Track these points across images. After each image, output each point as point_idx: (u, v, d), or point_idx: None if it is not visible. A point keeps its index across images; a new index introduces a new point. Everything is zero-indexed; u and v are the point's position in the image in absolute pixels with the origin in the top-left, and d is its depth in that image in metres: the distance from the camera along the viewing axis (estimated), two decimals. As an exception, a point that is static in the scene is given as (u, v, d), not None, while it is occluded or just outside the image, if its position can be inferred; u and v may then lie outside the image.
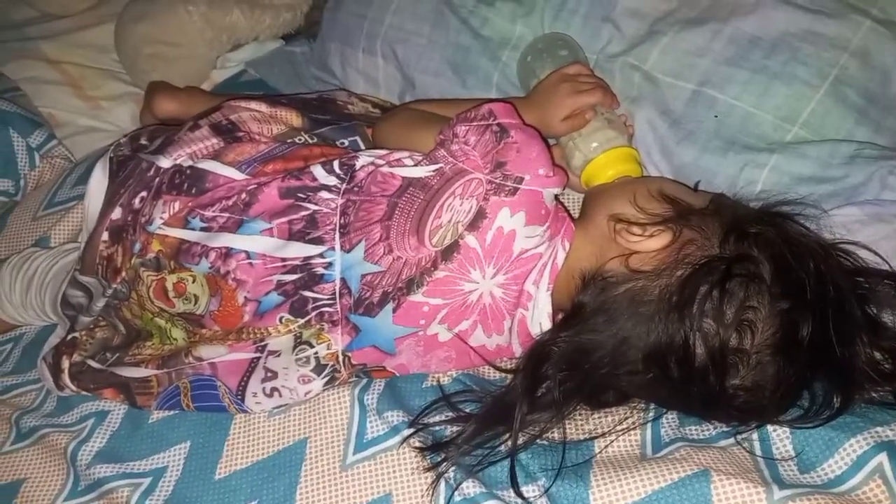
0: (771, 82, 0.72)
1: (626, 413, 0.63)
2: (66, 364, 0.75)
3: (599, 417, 0.64)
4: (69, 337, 0.76)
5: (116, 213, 0.73)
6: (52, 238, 0.92)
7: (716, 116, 0.74)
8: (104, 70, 1.16)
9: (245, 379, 0.69)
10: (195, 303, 0.70)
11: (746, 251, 0.58)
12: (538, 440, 0.61)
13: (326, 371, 0.68)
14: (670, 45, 0.78)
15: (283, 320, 0.67)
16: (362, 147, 0.79)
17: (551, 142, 0.76)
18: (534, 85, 0.81)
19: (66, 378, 0.74)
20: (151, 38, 1.09)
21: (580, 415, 0.64)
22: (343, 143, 0.79)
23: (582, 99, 0.75)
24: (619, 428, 0.62)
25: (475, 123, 0.64)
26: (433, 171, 0.65)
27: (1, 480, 0.72)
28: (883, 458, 0.53)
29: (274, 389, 0.69)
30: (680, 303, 0.56)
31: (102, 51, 1.16)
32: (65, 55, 1.16)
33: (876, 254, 0.62)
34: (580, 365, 0.60)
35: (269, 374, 0.68)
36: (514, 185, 0.62)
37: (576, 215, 0.75)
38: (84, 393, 0.75)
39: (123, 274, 0.72)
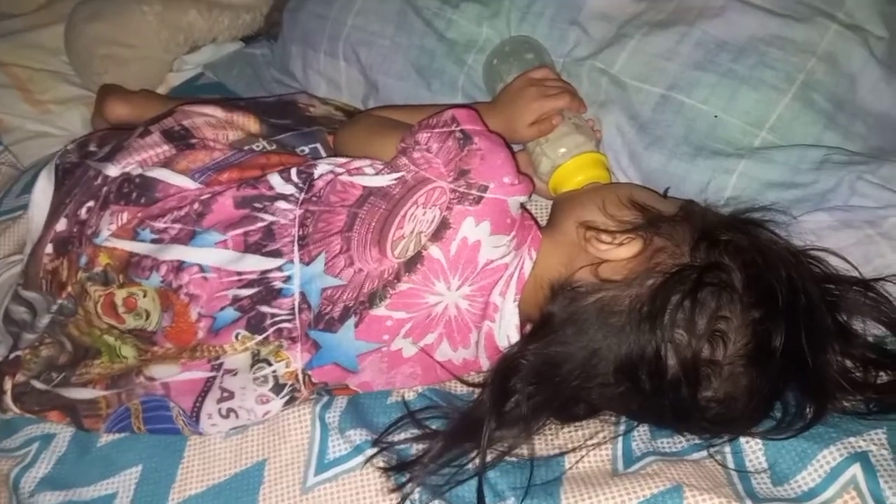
0: (739, 87, 0.71)
1: (596, 427, 0.62)
2: (8, 385, 0.70)
3: (569, 432, 0.62)
4: (12, 356, 0.72)
5: (61, 225, 0.69)
6: (-4, 250, 0.87)
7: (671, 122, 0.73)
8: (54, 72, 1.11)
9: (200, 399, 0.66)
10: (146, 319, 0.66)
11: (717, 259, 0.57)
12: (507, 457, 0.59)
13: (286, 391, 0.65)
14: (637, 48, 0.77)
15: (240, 337, 0.64)
16: (323, 154, 0.76)
17: (517, 148, 0.74)
18: (500, 89, 0.80)
19: (8, 400, 0.70)
20: (104, 38, 1.05)
21: (550, 430, 0.62)
22: (303, 151, 0.76)
23: (549, 103, 0.73)
24: (589, 443, 0.60)
25: (437, 130, 0.62)
26: (395, 179, 0.62)
27: (-63, 510, 0.68)
28: (856, 469, 0.52)
29: (230, 410, 0.65)
30: (651, 313, 0.55)
31: (53, 52, 1.11)
32: (13, 57, 1.10)
33: (845, 260, 0.62)
34: (549, 378, 0.58)
35: (225, 395, 0.65)
36: (479, 193, 0.60)
37: (543, 223, 0.73)
38: (28, 415, 0.71)
39: (69, 289, 0.68)
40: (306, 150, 0.76)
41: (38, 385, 0.70)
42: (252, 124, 0.76)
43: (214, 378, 0.66)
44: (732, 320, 0.55)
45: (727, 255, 0.57)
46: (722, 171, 0.70)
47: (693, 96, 0.72)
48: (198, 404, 0.66)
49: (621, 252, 0.59)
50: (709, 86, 0.72)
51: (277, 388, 0.65)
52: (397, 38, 0.89)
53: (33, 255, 0.71)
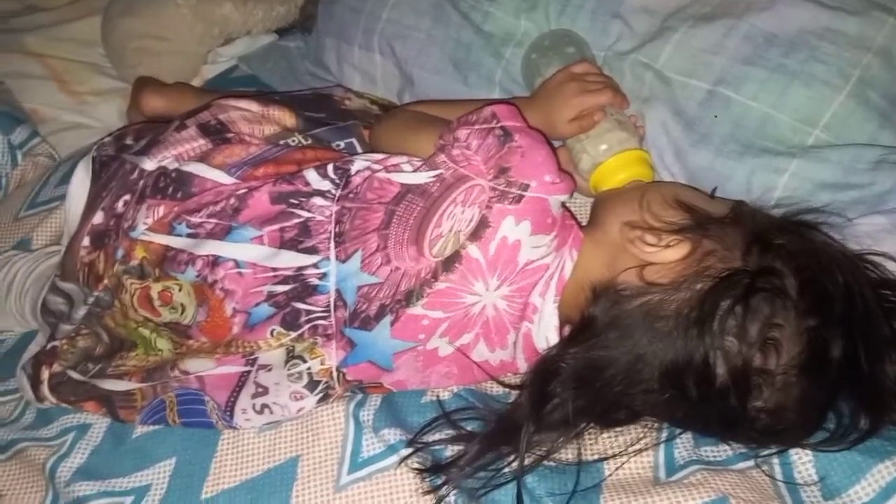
0: (790, 82, 0.69)
1: (638, 433, 0.60)
2: (45, 375, 0.71)
3: (610, 437, 0.61)
4: (49, 346, 0.72)
5: (98, 218, 0.69)
6: (34, 240, 0.88)
7: (716, 117, 0.71)
8: (90, 64, 1.11)
9: (235, 394, 0.65)
10: (182, 313, 0.66)
11: (770, 264, 0.54)
12: (545, 462, 0.58)
13: (320, 388, 0.64)
14: (683, 42, 0.74)
15: (275, 333, 0.63)
16: (359, 149, 0.75)
17: (557, 144, 0.73)
18: (539, 84, 0.78)
19: (45, 390, 0.71)
20: (139, 31, 1.05)
21: (589, 434, 0.61)
22: (339, 146, 0.75)
23: (590, 99, 0.71)
24: (631, 449, 0.58)
25: (477, 126, 0.61)
26: (433, 177, 0.61)
27: (-23, 498, 0.68)
28: (914, 485, 0.50)
29: (265, 406, 0.65)
30: (700, 319, 0.53)
31: (89, 44, 1.12)
32: (49, 49, 1.11)
33: (903, 265, 0.59)
34: (591, 383, 0.57)
35: (259, 390, 0.65)
36: (519, 192, 0.58)
37: (583, 222, 0.71)
38: (64, 405, 0.71)
39: (106, 281, 0.68)
40: (342, 144, 0.75)
41: (74, 375, 0.71)
42: (288, 119, 0.75)
43: (249, 373, 0.65)
44: (786, 328, 0.53)
45: (780, 259, 0.55)
46: (772, 171, 0.67)
47: (741, 92, 0.70)
48: (232, 399, 0.66)
49: (668, 254, 0.57)
50: (758, 81, 0.69)
51: (312, 384, 0.64)
52: (433, 32, 0.88)
53: (70, 248, 0.71)
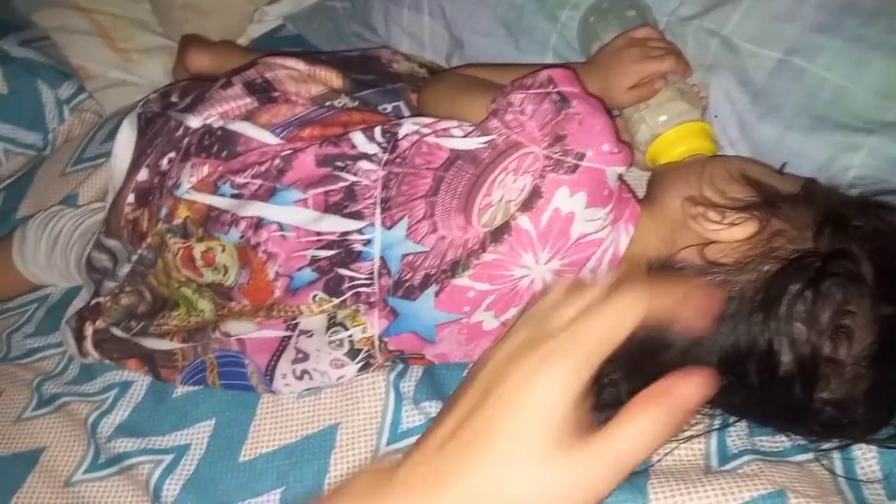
0: (868, 53, 0.63)
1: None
2: (89, 331, 0.71)
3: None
4: (93, 302, 0.73)
5: (143, 175, 0.69)
6: (80, 195, 0.89)
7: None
8: (137, 20, 1.11)
9: (275, 358, 0.65)
10: (224, 274, 0.65)
11: (845, 246, 0.51)
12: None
13: (361, 356, 0.63)
14: (752, 8, 0.69)
15: (317, 299, 0.62)
16: (406, 113, 0.73)
17: (614, 113, 0.69)
18: (596, 49, 0.74)
19: (89, 345, 0.71)
20: (186, -13, 1.04)
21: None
22: (385, 109, 0.73)
23: (651, 66, 0.67)
24: (682, 436, 0.56)
25: (533, 91, 0.58)
26: (484, 142, 0.58)
27: (21, 447, 0.70)
28: None
29: (304, 372, 0.64)
30: (766, 302, 0.50)
31: (136, 0, 1.11)
32: (97, 4, 1.11)
33: None
34: (645, 364, 0.54)
35: (300, 356, 0.64)
36: (575, 161, 0.55)
37: (639, 195, 0.68)
38: (107, 361, 0.72)
39: (149, 239, 0.68)
40: (388, 107, 0.73)
41: (117, 332, 0.71)
42: (335, 79, 0.73)
43: (290, 338, 0.65)
44: (859, 315, 0.49)
45: (855, 241, 0.51)
46: (846, 148, 0.63)
47: (816, 62, 0.65)
48: (272, 363, 0.65)
49: (734, 233, 0.53)
50: (833, 51, 0.65)
51: (353, 352, 0.63)
52: (486, -8, 0.84)
53: (115, 204, 0.71)
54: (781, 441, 0.55)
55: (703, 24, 0.72)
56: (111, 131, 0.94)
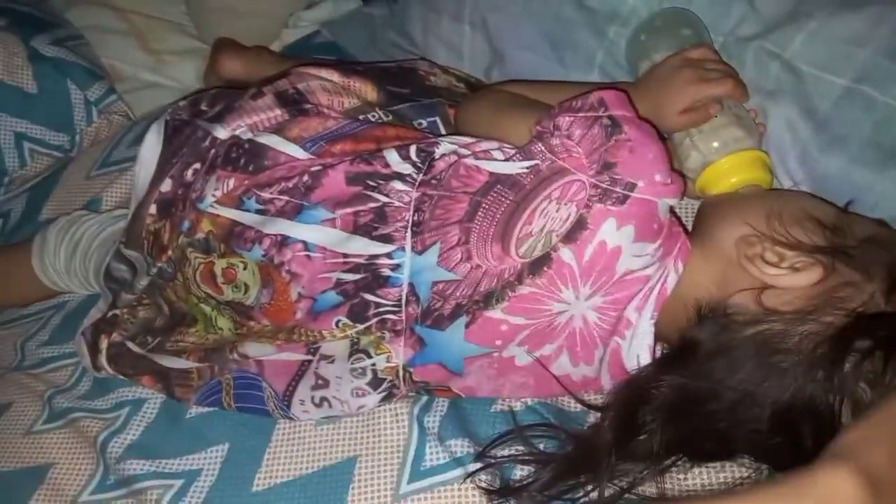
0: (947, 84, 0.59)
1: (733, 470, 0.53)
2: (104, 344, 0.69)
3: (702, 473, 0.54)
4: (110, 314, 0.70)
5: (166, 185, 0.66)
6: (104, 200, 0.87)
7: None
8: (172, 23, 1.09)
9: (294, 383, 0.62)
10: (245, 292, 0.62)
11: None
12: (627, 495, 0.51)
13: (384, 386, 0.59)
14: (820, 30, 0.65)
15: (341, 324, 0.59)
16: (442, 130, 0.70)
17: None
18: (646, 69, 0.70)
19: (103, 359, 0.69)
20: (221, -10, 1.02)
21: (678, 468, 0.54)
22: (421, 124, 0.69)
23: (707, 89, 0.63)
24: (725, 490, 0.52)
25: (582, 114, 0.54)
26: (527, 167, 0.55)
27: (30, 462, 0.67)
28: None
29: (324, 399, 0.61)
30: (830, 358, 0.45)
31: (171, 2, 1.10)
32: (132, 4, 1.10)
33: None
34: (687, 416, 0.50)
35: (319, 382, 0.61)
36: (625, 191, 0.51)
37: (687, 226, 0.63)
38: (121, 377, 0.69)
39: (170, 253, 0.65)
40: (424, 123, 0.70)
41: (133, 347, 0.69)
42: (369, 91, 0.70)
43: (310, 363, 0.61)
44: None
45: None
46: (919, 186, 0.58)
47: (887, 92, 0.60)
48: (291, 388, 0.62)
49: (797, 279, 0.49)
50: (910, 81, 0.60)
51: (375, 382, 0.60)
52: (530, 4, 0.80)
53: (136, 214, 0.68)
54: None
55: (763, 45, 0.67)
56: (138, 136, 0.91)
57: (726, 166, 0.62)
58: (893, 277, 0.48)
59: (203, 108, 0.72)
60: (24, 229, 0.90)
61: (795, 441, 0.47)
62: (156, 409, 0.68)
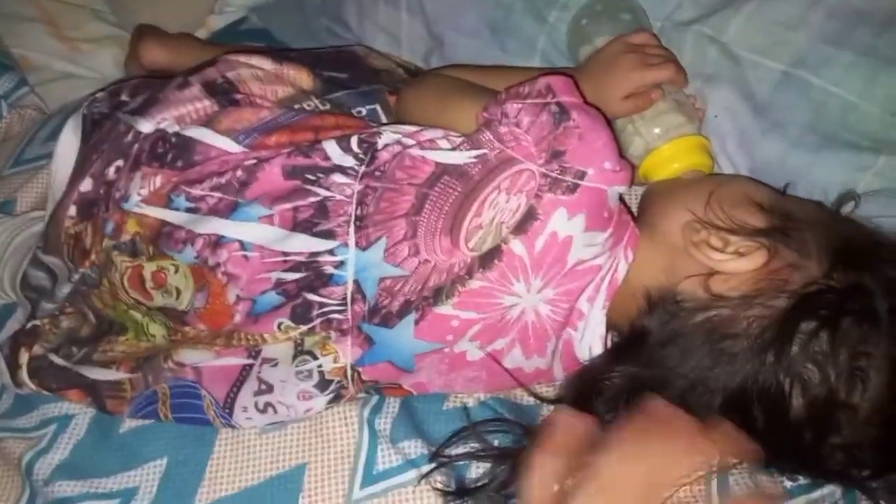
0: (881, 68, 0.60)
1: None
2: (24, 358, 0.64)
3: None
4: (29, 325, 0.65)
5: (86, 185, 0.61)
6: (18, 201, 0.80)
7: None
8: (86, 8, 1.02)
9: (235, 390, 0.58)
10: (177, 297, 0.59)
11: (861, 281, 0.47)
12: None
13: (331, 388, 0.57)
14: (756, 14, 0.65)
15: (283, 327, 0.56)
16: (383, 118, 0.67)
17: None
18: (587, 54, 0.69)
19: (24, 375, 0.63)
20: (142, -28, 0.96)
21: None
22: (360, 112, 0.67)
23: (649, 75, 0.63)
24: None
25: (530, 101, 0.52)
26: (474, 157, 0.53)
27: (-55, 489, 0.62)
28: None
29: (268, 405, 0.58)
30: (778, 341, 0.46)
31: (85, -15, 1.02)
32: (42, -13, 1.02)
33: None
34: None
35: (262, 387, 0.58)
36: (575, 180, 0.50)
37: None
38: (45, 392, 0.64)
39: (93, 257, 0.61)
40: (364, 111, 0.67)
41: (57, 360, 0.63)
42: (304, 79, 0.66)
43: (251, 367, 0.58)
44: (874, 357, 0.46)
45: (869, 275, 0.48)
46: (854, 168, 0.59)
47: (823, 76, 0.61)
48: (232, 395, 0.59)
49: (741, 264, 0.49)
50: (843, 65, 0.61)
51: (323, 384, 0.57)
52: (469, -11, 0.79)
53: (54, 217, 0.63)
54: (782, 481, 0.52)
55: (702, 29, 0.68)
56: (54, 131, 0.85)
57: (668, 152, 0.63)
58: (833, 257, 0.49)
59: (124, 98, 0.67)
60: (-72, 235, 0.82)
61: (748, 423, 0.48)
62: (85, 424, 0.63)
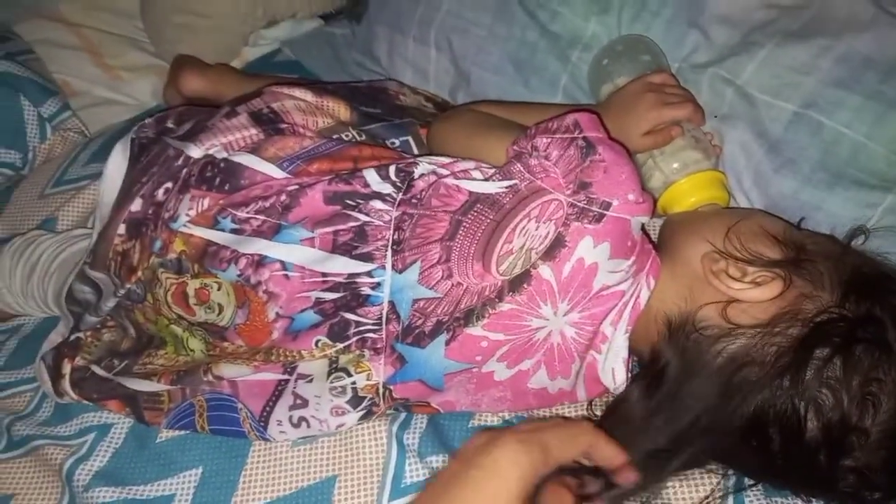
0: (886, 111, 0.63)
1: (702, 479, 0.56)
2: (67, 368, 0.66)
3: (673, 485, 0.56)
4: (72, 337, 0.68)
5: (136, 205, 0.65)
6: (59, 220, 0.84)
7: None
8: (126, 38, 1.07)
9: (270, 404, 0.61)
10: (219, 313, 0.62)
11: (871, 311, 0.50)
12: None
13: (364, 404, 0.59)
14: (769, 59, 0.69)
15: (320, 344, 0.59)
16: (414, 149, 0.71)
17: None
18: (607, 92, 0.73)
19: (66, 385, 0.66)
20: (181, 6, 1.00)
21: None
22: (394, 143, 0.70)
23: (668, 113, 0.66)
24: (702, 502, 0.54)
25: (558, 136, 0.56)
26: (506, 187, 0.56)
27: (-12, 493, 0.64)
28: None
29: (302, 419, 0.60)
30: (793, 367, 0.48)
31: (126, 16, 1.07)
32: (85, 18, 1.06)
33: None
34: (660, 430, 0.52)
35: (298, 402, 0.60)
36: (600, 210, 0.53)
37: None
38: (85, 402, 0.67)
39: (139, 273, 0.64)
40: (397, 142, 0.71)
41: (98, 371, 0.66)
42: (342, 111, 0.70)
43: (287, 382, 0.61)
44: (886, 383, 0.48)
45: (880, 305, 0.50)
46: (864, 205, 0.62)
47: (833, 117, 0.65)
48: (268, 409, 0.61)
49: (758, 293, 0.52)
50: (852, 108, 0.64)
51: (355, 400, 0.60)
52: (495, 28, 0.83)
53: (103, 235, 0.67)
54: (796, 502, 0.54)
55: (718, 72, 0.71)
56: (95, 153, 0.89)
57: (686, 186, 0.66)
58: (845, 288, 0.51)
59: (170, 125, 0.71)
60: (-27, 250, 0.86)
61: (765, 446, 0.50)
62: (123, 433, 0.66)
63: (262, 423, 0.61)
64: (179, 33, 1.01)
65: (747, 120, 0.69)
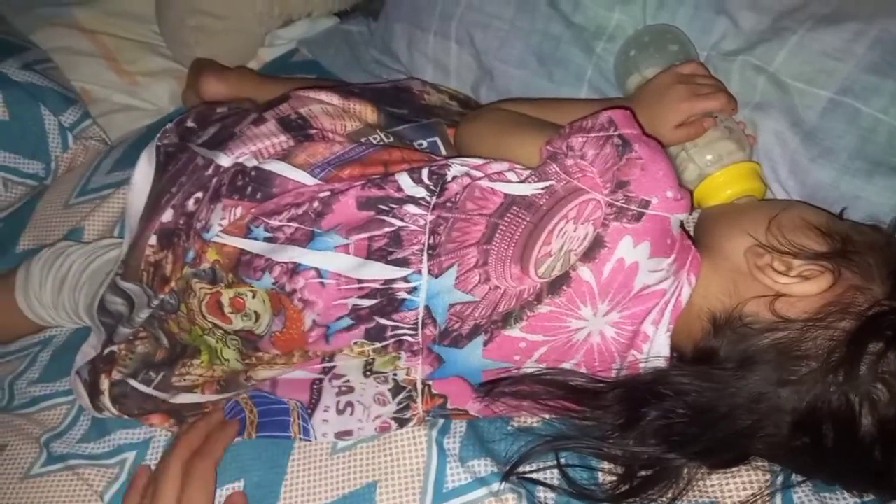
0: (925, 95, 0.62)
1: (750, 476, 0.55)
2: (105, 384, 0.66)
3: (720, 481, 0.55)
4: (107, 351, 0.68)
5: (167, 216, 0.64)
6: (85, 230, 0.84)
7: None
8: (143, 43, 1.06)
9: (317, 393, 0.62)
10: (256, 320, 0.61)
11: None
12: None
13: (402, 395, 0.60)
14: (801, 44, 0.68)
15: (357, 343, 0.59)
16: (442, 150, 0.70)
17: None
18: (636, 83, 0.72)
19: (106, 401, 0.66)
20: (196, 8, 0.99)
21: (699, 476, 0.56)
22: (422, 145, 0.69)
23: (700, 104, 0.65)
24: (747, 495, 0.53)
25: (593, 134, 0.55)
26: (542, 188, 0.55)
27: (28, 506, 0.64)
28: None
29: (349, 404, 0.61)
30: (846, 362, 0.48)
31: (141, 21, 1.07)
32: (101, 24, 1.06)
33: None
34: (708, 426, 0.52)
35: (343, 388, 0.61)
36: (639, 209, 0.52)
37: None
38: (126, 417, 0.67)
39: (173, 284, 0.63)
40: (425, 143, 0.70)
41: (137, 386, 0.66)
42: (369, 113, 0.69)
43: (322, 381, 0.61)
44: None
45: None
46: (905, 193, 0.61)
47: (870, 104, 0.63)
48: (315, 397, 0.62)
49: (808, 287, 0.51)
50: (889, 93, 0.63)
51: (396, 389, 0.60)
52: (518, 21, 0.81)
53: (135, 246, 0.66)
54: (846, 498, 0.54)
55: (748, 59, 0.70)
56: (117, 160, 0.89)
57: (722, 179, 0.65)
58: (894, 278, 0.50)
59: (190, 125, 0.71)
60: (1, 261, 0.86)
61: (818, 442, 0.49)
62: (160, 451, 0.66)
63: (309, 411, 0.61)
64: (195, 36, 1.00)
65: (781, 108, 0.67)
